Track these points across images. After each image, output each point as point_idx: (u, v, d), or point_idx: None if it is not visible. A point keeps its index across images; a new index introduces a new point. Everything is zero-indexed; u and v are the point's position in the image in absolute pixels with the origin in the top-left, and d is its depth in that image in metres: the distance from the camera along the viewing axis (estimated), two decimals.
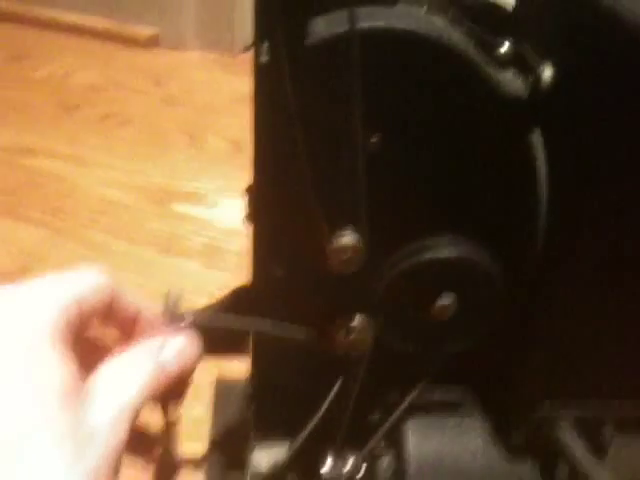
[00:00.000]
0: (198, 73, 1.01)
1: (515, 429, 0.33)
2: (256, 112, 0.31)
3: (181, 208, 0.74)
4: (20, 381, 0.26)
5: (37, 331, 0.27)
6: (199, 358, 0.35)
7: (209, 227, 0.71)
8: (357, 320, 0.36)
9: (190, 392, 0.52)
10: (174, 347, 0.33)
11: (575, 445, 0.32)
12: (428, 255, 0.30)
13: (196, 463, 0.48)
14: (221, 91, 0.96)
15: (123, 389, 0.29)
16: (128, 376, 0.30)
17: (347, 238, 0.33)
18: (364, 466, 0.37)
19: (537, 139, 0.30)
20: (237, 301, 0.39)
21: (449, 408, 0.37)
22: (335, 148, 0.31)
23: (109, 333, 0.34)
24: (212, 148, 0.85)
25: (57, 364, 0.27)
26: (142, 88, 0.98)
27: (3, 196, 0.77)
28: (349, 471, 0.37)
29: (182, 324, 0.35)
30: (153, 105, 0.94)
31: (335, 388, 0.38)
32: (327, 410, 0.38)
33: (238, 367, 0.54)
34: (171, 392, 0.34)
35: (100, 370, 0.29)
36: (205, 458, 0.47)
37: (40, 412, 0.26)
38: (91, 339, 0.34)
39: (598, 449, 0.33)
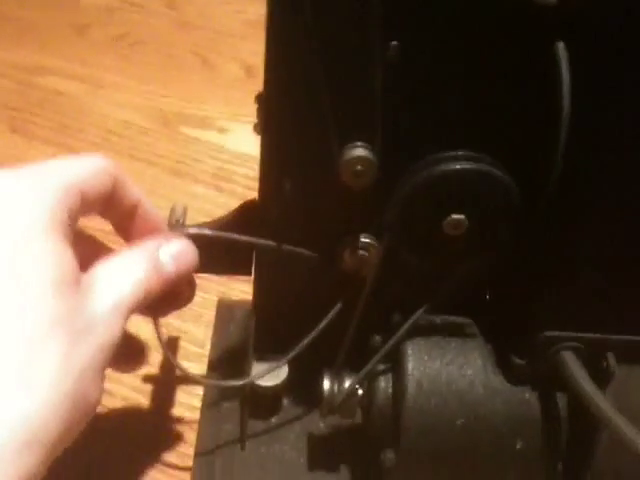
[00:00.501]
0: None
1: (518, 351, 0.33)
2: (270, 16, 0.30)
3: (192, 131, 0.73)
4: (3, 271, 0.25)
5: (33, 220, 0.27)
6: (195, 265, 0.34)
7: (220, 151, 0.70)
8: (365, 238, 0.36)
9: (192, 312, 0.53)
10: (171, 250, 0.33)
11: (578, 371, 0.32)
12: (443, 167, 0.30)
13: (196, 382, 0.48)
14: (236, 15, 0.93)
15: (120, 286, 0.29)
16: (125, 274, 0.29)
17: (359, 150, 0.32)
18: (363, 386, 0.37)
19: (563, 52, 0.28)
20: (244, 216, 0.39)
21: (452, 330, 0.36)
22: (351, 55, 0.30)
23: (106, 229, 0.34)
24: (225, 73, 0.83)
25: (51, 253, 0.26)
26: (156, 10, 0.95)
27: (14, 113, 0.76)
28: (347, 390, 0.37)
29: (184, 232, 0.35)
30: (167, 28, 0.92)
31: (337, 307, 0.37)
32: (328, 331, 0.38)
33: (241, 288, 0.54)
34: (165, 300, 0.34)
35: (97, 266, 0.29)
36: (205, 377, 0.47)
37: (24, 300, 0.25)
38: (89, 236, 0.34)
39: (601, 377, 0.33)
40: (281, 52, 0.30)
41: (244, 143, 0.70)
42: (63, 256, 0.27)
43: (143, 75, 0.82)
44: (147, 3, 0.96)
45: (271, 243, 0.36)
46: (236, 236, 0.37)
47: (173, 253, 0.33)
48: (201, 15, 0.94)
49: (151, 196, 0.59)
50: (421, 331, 0.36)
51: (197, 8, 0.95)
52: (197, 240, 0.38)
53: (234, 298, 0.54)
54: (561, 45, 0.29)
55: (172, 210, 0.43)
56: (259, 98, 0.33)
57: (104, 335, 0.27)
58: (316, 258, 0.37)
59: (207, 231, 0.37)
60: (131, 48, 0.88)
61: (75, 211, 0.29)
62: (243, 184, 0.66)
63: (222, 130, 0.73)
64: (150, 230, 0.34)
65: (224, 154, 0.70)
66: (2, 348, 0.24)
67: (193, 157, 0.70)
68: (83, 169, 0.30)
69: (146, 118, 0.75)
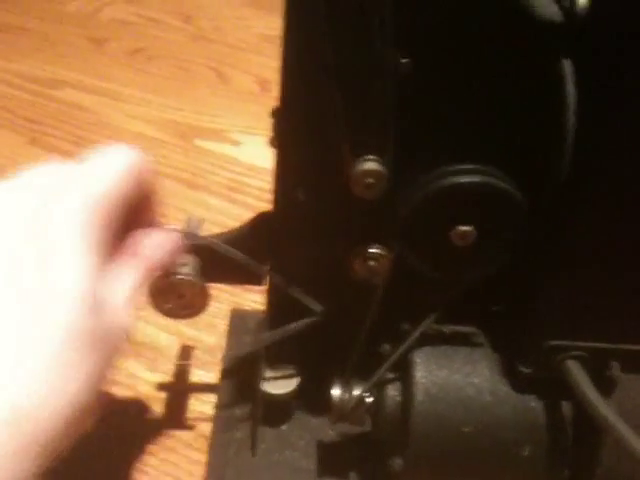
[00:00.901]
0: (228, 10, 1.00)
1: (524, 360, 0.34)
2: (286, 30, 0.31)
3: (206, 144, 0.75)
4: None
5: (62, 234, 0.28)
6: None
7: (233, 163, 0.72)
8: (375, 248, 0.37)
9: (206, 321, 0.54)
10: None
11: (582, 379, 0.32)
12: (451, 180, 0.30)
13: (209, 389, 0.49)
14: (251, 29, 0.95)
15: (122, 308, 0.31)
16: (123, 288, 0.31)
17: (371, 163, 0.33)
18: (372, 394, 0.38)
19: (568, 67, 0.29)
20: (258, 227, 0.40)
21: (460, 339, 0.37)
22: (364, 70, 0.31)
23: None
24: (239, 86, 0.85)
25: (74, 270, 0.28)
26: (172, 24, 0.97)
27: (33, 125, 0.77)
28: (357, 398, 0.38)
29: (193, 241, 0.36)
30: (182, 42, 0.94)
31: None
32: (339, 339, 0.38)
33: (253, 298, 0.55)
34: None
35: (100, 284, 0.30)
36: (218, 385, 0.48)
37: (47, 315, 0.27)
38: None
39: (606, 385, 0.33)
40: (296, 66, 0.32)
41: (257, 156, 0.71)
42: (87, 273, 0.28)
43: (159, 88, 0.84)
44: (163, 18, 0.98)
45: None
46: (240, 255, 0.38)
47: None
48: (216, 29, 0.96)
49: (166, 208, 0.61)
50: (429, 340, 0.37)
51: (212, 23, 0.97)
52: (208, 252, 0.39)
53: (247, 308, 0.55)
54: (567, 62, 0.30)
55: (188, 221, 0.44)
56: (275, 112, 0.34)
57: (113, 348, 0.29)
58: (328, 269, 0.38)
59: (215, 243, 0.38)
60: (147, 62, 0.89)
61: (106, 220, 0.30)
62: (255, 196, 0.67)
63: (236, 143, 0.75)
64: (146, 223, 0.35)
65: (237, 166, 0.71)
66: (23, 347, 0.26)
67: (207, 169, 0.71)
68: (110, 178, 0.31)
69: (161, 131, 0.77)
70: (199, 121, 0.78)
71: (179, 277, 0.38)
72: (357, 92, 0.31)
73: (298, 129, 0.33)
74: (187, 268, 0.39)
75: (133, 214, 0.33)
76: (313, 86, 0.31)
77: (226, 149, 0.74)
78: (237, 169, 0.71)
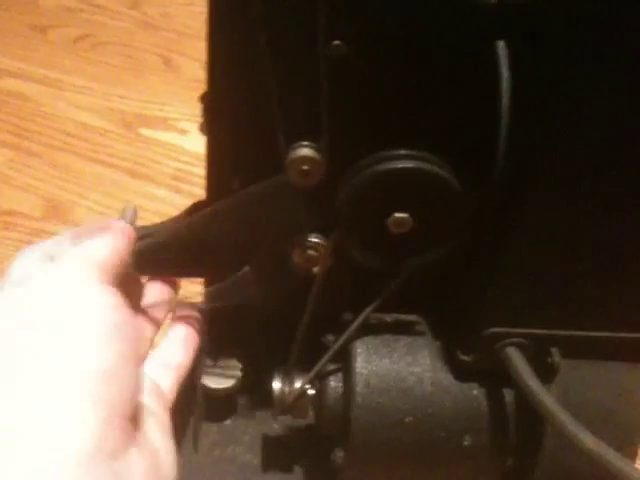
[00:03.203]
0: None
1: (464, 347, 0.33)
2: (212, 12, 0.30)
3: (152, 133, 0.73)
4: None
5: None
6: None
7: (180, 152, 0.70)
8: (314, 237, 0.36)
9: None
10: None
11: (522, 367, 0.32)
12: (386, 166, 0.30)
13: None
14: (200, 15, 0.92)
15: None
16: None
17: (306, 149, 0.32)
18: (314, 385, 0.37)
19: (503, 50, 0.29)
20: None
21: (402, 328, 0.36)
22: (295, 54, 0.30)
23: None
24: (187, 73, 0.83)
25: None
26: (118, 11, 0.95)
27: None
28: (298, 390, 0.37)
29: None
30: (128, 28, 0.91)
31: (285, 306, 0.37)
32: (281, 331, 0.38)
33: (198, 290, 0.54)
34: None
35: None
36: None
37: None
38: None
39: (546, 372, 0.33)
40: (225, 50, 0.30)
41: (204, 144, 0.70)
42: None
43: (104, 77, 0.82)
44: (109, 4, 0.95)
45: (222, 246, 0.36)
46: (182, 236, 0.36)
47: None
48: (164, 16, 0.93)
49: (109, 199, 0.59)
50: (371, 330, 0.36)
51: (159, 9, 0.95)
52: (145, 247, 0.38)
53: (193, 301, 0.53)
54: (501, 44, 0.29)
55: (123, 211, 0.43)
56: (203, 97, 0.32)
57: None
58: (266, 258, 0.37)
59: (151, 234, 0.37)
60: (92, 49, 0.87)
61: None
62: (203, 185, 0.65)
63: (183, 132, 0.73)
64: None
65: (184, 156, 0.69)
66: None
67: (153, 159, 0.69)
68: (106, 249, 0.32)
69: (106, 120, 0.75)
70: (145, 109, 0.76)
71: None
72: (290, 76, 0.30)
73: (228, 115, 0.32)
74: None
75: None
76: (243, 69, 0.30)
77: (173, 138, 0.72)
78: (184, 158, 0.69)
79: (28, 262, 0.31)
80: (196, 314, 0.39)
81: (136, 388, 0.29)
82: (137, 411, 0.29)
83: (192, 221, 0.38)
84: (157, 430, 0.31)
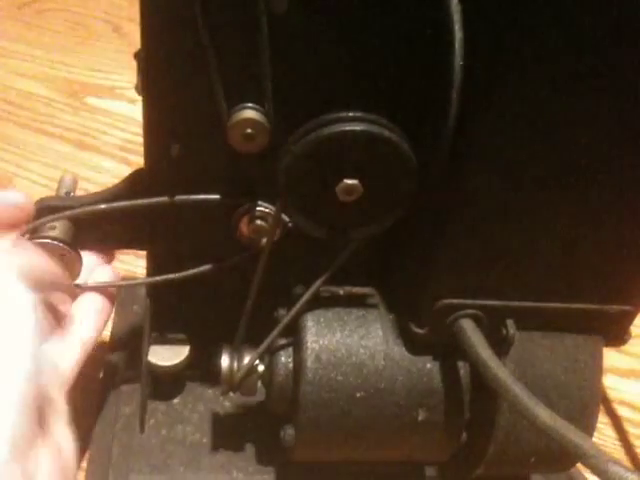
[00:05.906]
0: None
1: (417, 320, 0.32)
2: None
3: (99, 102, 0.70)
4: None
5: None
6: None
7: (128, 122, 0.67)
8: (262, 207, 0.34)
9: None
10: None
11: (476, 339, 0.31)
12: (332, 129, 0.28)
13: (97, 362, 0.46)
14: None
15: None
16: None
17: (248, 112, 0.30)
18: (263, 361, 0.36)
19: (456, 7, 0.27)
20: (134, 185, 0.36)
21: (354, 300, 0.35)
22: (233, 8, 0.28)
23: None
24: (137, 40, 0.79)
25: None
26: None
27: None
28: (247, 366, 0.35)
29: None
30: None
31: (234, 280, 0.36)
32: (228, 305, 0.36)
33: (144, 265, 0.52)
34: None
35: None
36: (105, 357, 0.45)
37: None
38: None
39: (500, 344, 0.32)
40: (160, 2, 0.28)
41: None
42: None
43: (49, 44, 0.78)
44: None
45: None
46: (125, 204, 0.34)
47: None
48: None
49: (53, 170, 0.56)
50: (323, 303, 0.35)
51: None
52: (85, 217, 0.36)
53: (138, 275, 0.51)
54: (454, 4, 0.27)
55: (60, 181, 0.41)
56: (137, 55, 0.30)
57: None
58: (211, 229, 0.35)
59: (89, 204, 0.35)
60: (37, 15, 0.83)
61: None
62: None
63: (132, 101, 0.70)
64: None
65: (133, 126, 0.67)
66: None
67: (100, 129, 0.66)
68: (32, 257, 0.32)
69: (51, 89, 0.71)
70: (92, 78, 0.73)
71: (42, 241, 0.34)
72: (228, 32, 0.28)
73: (164, 75, 0.30)
74: (55, 232, 0.35)
75: None
76: (179, 23, 0.28)
77: (121, 107, 0.69)
78: (132, 129, 0.66)
79: None
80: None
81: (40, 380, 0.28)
82: (41, 402, 0.28)
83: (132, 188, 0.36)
84: (57, 419, 0.30)
